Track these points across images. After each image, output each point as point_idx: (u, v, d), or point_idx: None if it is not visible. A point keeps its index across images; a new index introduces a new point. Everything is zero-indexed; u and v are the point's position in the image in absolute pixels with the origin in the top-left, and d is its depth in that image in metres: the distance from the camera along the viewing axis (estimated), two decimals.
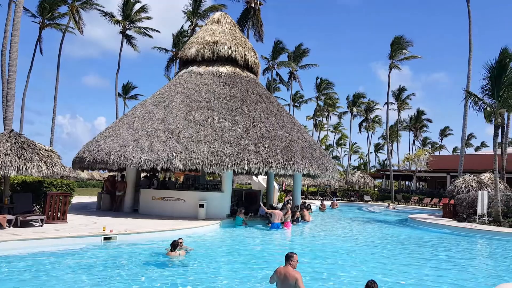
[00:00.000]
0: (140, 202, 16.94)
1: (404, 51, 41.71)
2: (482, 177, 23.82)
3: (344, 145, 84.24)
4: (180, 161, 14.94)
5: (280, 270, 5.58)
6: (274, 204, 23.33)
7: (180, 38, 43.17)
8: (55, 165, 11.86)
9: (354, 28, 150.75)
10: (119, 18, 39.22)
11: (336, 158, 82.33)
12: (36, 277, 7.21)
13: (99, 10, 36.87)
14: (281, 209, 17.03)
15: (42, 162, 11.55)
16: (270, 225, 15.56)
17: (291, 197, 23.40)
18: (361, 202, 39.21)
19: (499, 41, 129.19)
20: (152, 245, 10.75)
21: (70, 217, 13.39)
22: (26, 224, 11.47)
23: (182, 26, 44.23)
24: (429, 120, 68.71)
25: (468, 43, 30.93)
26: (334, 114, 70.25)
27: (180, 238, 9.44)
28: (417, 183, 51.61)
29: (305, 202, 22.38)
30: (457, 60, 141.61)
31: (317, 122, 68.78)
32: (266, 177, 25.20)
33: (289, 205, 18.73)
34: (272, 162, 15.77)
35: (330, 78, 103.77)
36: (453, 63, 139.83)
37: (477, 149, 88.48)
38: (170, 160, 14.95)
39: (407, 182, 59.51)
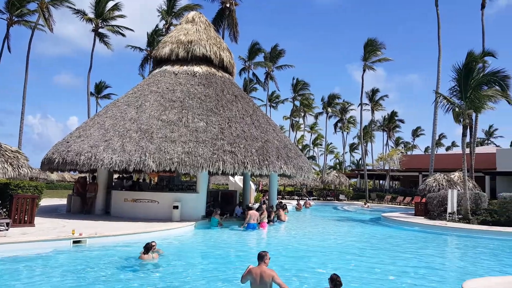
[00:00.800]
0: (112, 204, 16.52)
1: (378, 53, 42.55)
2: (452, 176, 24.57)
3: (320, 145, 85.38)
4: (153, 162, 14.67)
5: (255, 270, 5.65)
6: (250, 205, 23.28)
7: (154, 37, 42.49)
8: (21, 166, 11.44)
9: (331, 29, 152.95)
10: (92, 16, 38.21)
11: (312, 158, 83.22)
12: None
13: (70, 7, 35.81)
14: (257, 210, 17.01)
15: (8, 163, 11.11)
16: (246, 225, 15.49)
17: (267, 197, 23.43)
18: (337, 201, 39.75)
19: (469, 44, 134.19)
20: (124, 248, 10.47)
21: (38, 220, 12.90)
22: None
23: (157, 25, 43.61)
24: (402, 121, 70.64)
25: (437, 46, 31.88)
26: (310, 114, 71.14)
27: (153, 241, 9.23)
28: (391, 182, 52.80)
29: (281, 202, 22.46)
30: (429, 62, 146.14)
31: (294, 122, 69.32)
32: (242, 177, 25.14)
33: (265, 206, 18.73)
34: (247, 162, 15.72)
35: (307, 78, 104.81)
36: (425, 65, 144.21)
37: (448, 148, 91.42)
38: (142, 161, 14.66)
39: (381, 181, 60.78)
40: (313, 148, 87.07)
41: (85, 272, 7.86)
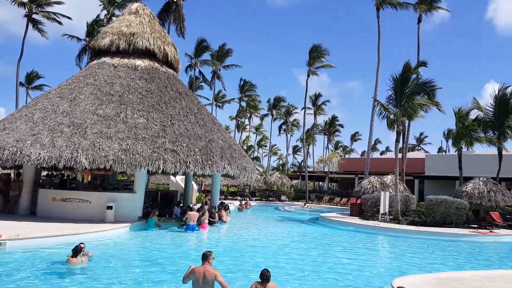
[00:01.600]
0: (39, 203, 15.22)
1: (322, 59, 43.92)
2: (385, 179, 26.02)
3: (265, 146, 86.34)
4: (86, 159, 13.74)
5: (198, 269, 5.76)
6: (192, 205, 22.80)
7: (95, 27, 40.10)
8: None
9: (280, 32, 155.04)
10: (25, 0, 35.25)
11: (256, 159, 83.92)
12: None
13: None
14: (198, 210, 16.66)
15: None
16: (185, 226, 15.09)
17: (210, 198, 23.11)
18: (279, 202, 40.40)
19: (406, 56, 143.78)
20: (50, 251, 9.68)
21: None
22: None
23: (98, 15, 41.24)
24: (342, 126, 73.75)
25: (377, 56, 33.66)
26: (256, 116, 71.60)
27: (82, 243, 8.62)
28: (329, 184, 54.88)
29: (223, 203, 22.27)
30: (369, 70, 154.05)
31: (240, 123, 69.46)
32: (184, 177, 24.56)
33: (207, 206, 18.43)
34: (190, 162, 15.33)
35: (254, 80, 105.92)
36: (365, 73, 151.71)
37: (382, 153, 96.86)
38: (74, 158, 13.66)
39: (320, 183, 62.92)
40: (258, 149, 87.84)
41: (5, 277, 7.15)
